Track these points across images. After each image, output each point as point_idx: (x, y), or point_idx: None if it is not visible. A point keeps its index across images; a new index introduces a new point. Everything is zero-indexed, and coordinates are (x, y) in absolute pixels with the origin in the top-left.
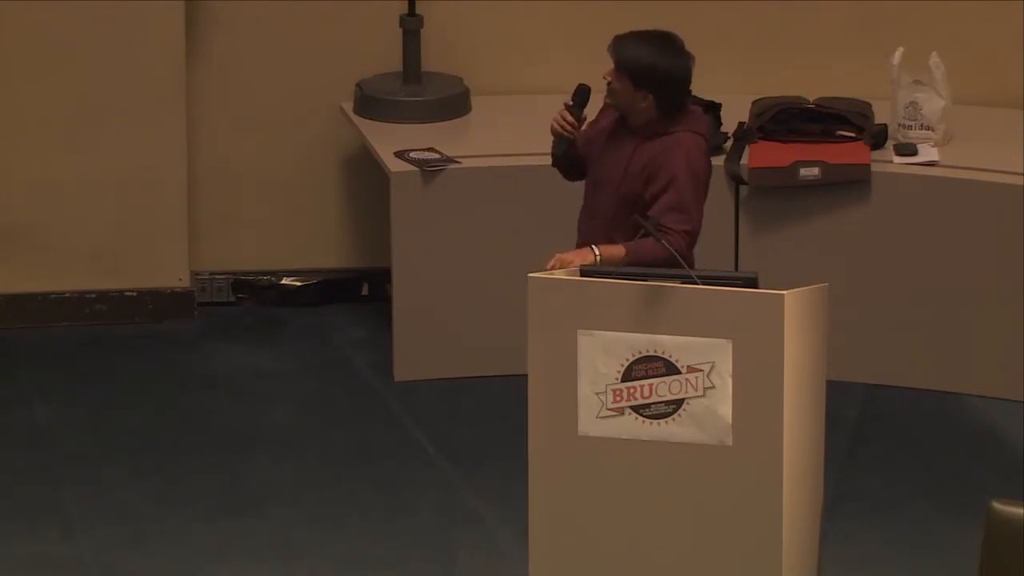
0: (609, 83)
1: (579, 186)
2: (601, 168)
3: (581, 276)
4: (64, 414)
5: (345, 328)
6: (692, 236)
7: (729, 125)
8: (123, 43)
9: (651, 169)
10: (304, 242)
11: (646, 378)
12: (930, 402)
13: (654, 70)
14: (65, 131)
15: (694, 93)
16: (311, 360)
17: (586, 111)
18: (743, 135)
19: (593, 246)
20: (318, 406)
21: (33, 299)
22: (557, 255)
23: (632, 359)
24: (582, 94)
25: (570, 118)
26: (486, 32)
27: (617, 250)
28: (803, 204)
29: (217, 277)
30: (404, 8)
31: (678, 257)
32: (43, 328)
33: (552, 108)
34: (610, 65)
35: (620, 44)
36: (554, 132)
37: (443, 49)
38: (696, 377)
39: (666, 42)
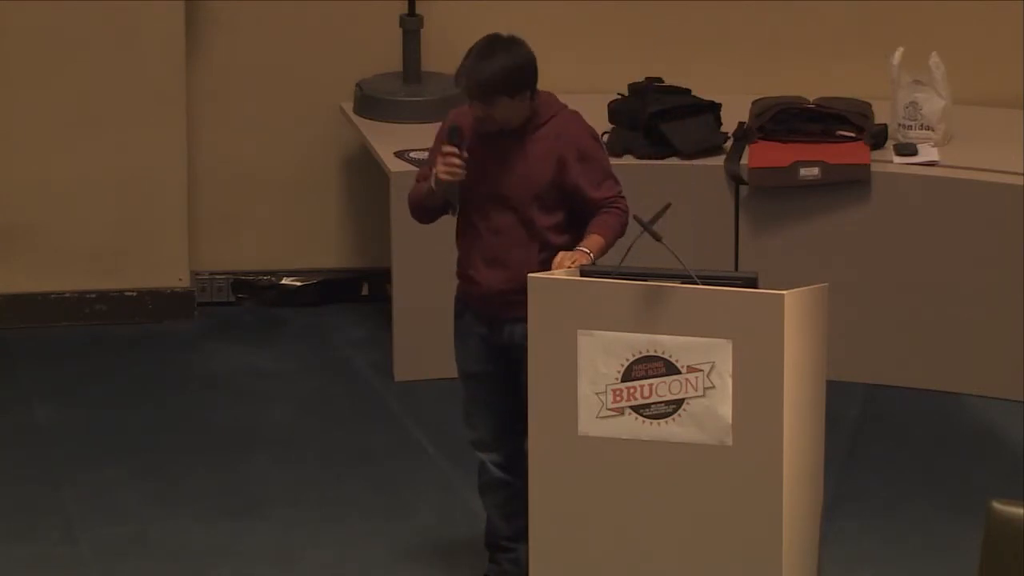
0: (482, 117)
1: None
2: (493, 182)
3: (581, 276)
4: (64, 414)
5: (345, 328)
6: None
7: (729, 125)
8: (123, 43)
9: (558, 156)
10: (304, 242)
11: (646, 378)
12: (930, 402)
13: (519, 72)
14: (65, 131)
15: (694, 93)
16: (311, 360)
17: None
18: (743, 135)
19: (580, 247)
20: (318, 406)
21: (33, 299)
22: (560, 254)
23: (632, 359)
24: (458, 132)
25: (456, 160)
26: (486, 32)
27: (595, 240)
28: (803, 204)
29: (217, 277)
30: (404, 8)
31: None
32: (43, 328)
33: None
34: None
35: (473, 76)
36: (447, 180)
37: (443, 49)
38: (696, 377)
39: (500, 43)
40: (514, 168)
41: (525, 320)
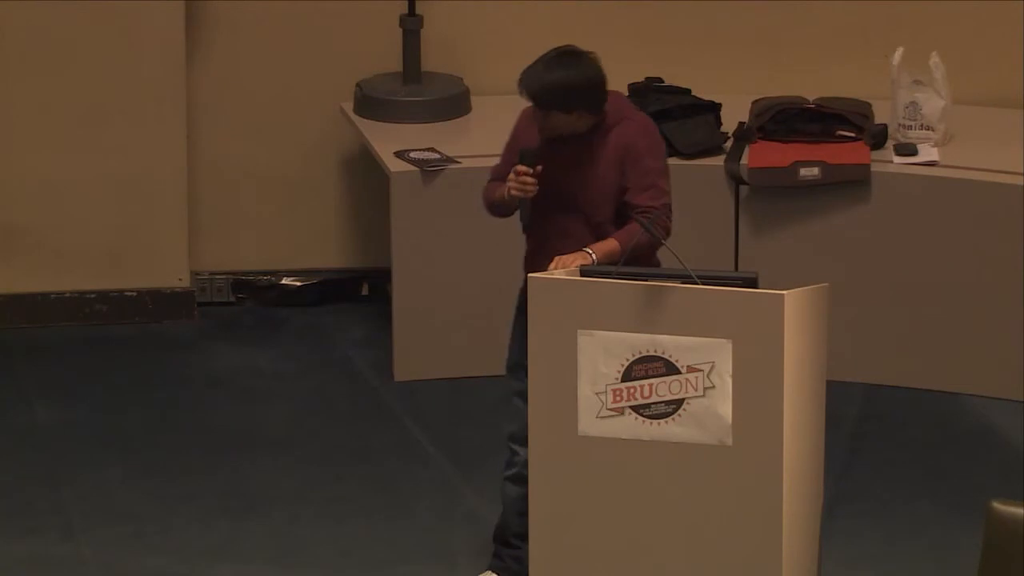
0: (543, 122)
1: None
2: (562, 186)
3: (581, 276)
4: (64, 414)
5: (345, 328)
6: (670, 207)
7: (729, 125)
8: (123, 43)
9: (621, 159)
10: (304, 242)
11: (646, 378)
12: (930, 402)
13: (576, 89)
14: (65, 131)
15: (694, 93)
16: (311, 360)
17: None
18: (743, 135)
19: (587, 248)
20: (318, 406)
21: (33, 299)
22: (557, 256)
23: (632, 359)
24: (531, 155)
25: (529, 179)
26: (486, 32)
27: (610, 244)
28: (803, 204)
29: (217, 277)
30: (404, 8)
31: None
32: (43, 328)
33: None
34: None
35: (532, 85)
36: (517, 198)
37: (443, 49)
38: (696, 377)
39: (567, 57)
40: (581, 172)
41: None
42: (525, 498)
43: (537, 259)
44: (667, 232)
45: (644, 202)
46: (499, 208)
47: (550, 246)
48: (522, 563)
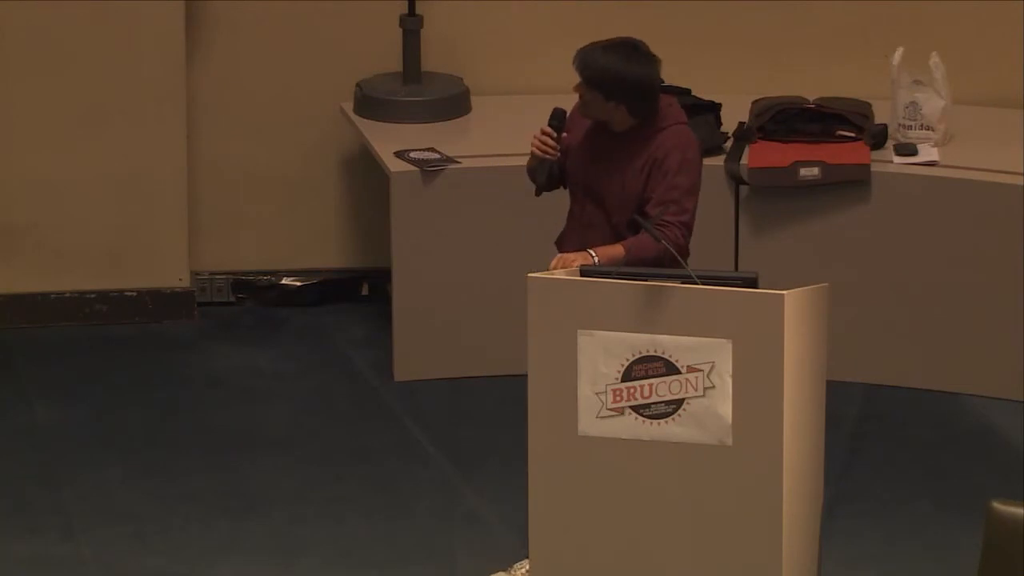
0: (582, 96)
1: None
2: (591, 177)
3: (581, 276)
4: (64, 414)
5: (345, 328)
6: (687, 227)
7: (729, 125)
8: (123, 43)
9: (649, 166)
10: (304, 242)
11: (646, 378)
12: (930, 402)
13: (623, 81)
14: (65, 131)
15: (694, 93)
16: (311, 360)
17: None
18: (743, 135)
19: (590, 250)
20: (318, 406)
21: (33, 299)
22: (559, 255)
23: (632, 359)
24: (559, 117)
25: (551, 141)
26: (486, 32)
27: (616, 250)
28: (803, 204)
29: (217, 277)
30: (404, 8)
31: (674, 252)
32: (43, 328)
33: (552, 108)
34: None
35: (586, 57)
36: (536, 156)
37: (443, 49)
38: (696, 377)
39: (631, 50)
40: (614, 171)
41: None
42: None
43: (566, 246)
44: (679, 249)
45: (663, 214)
46: (531, 173)
47: (577, 233)
48: None
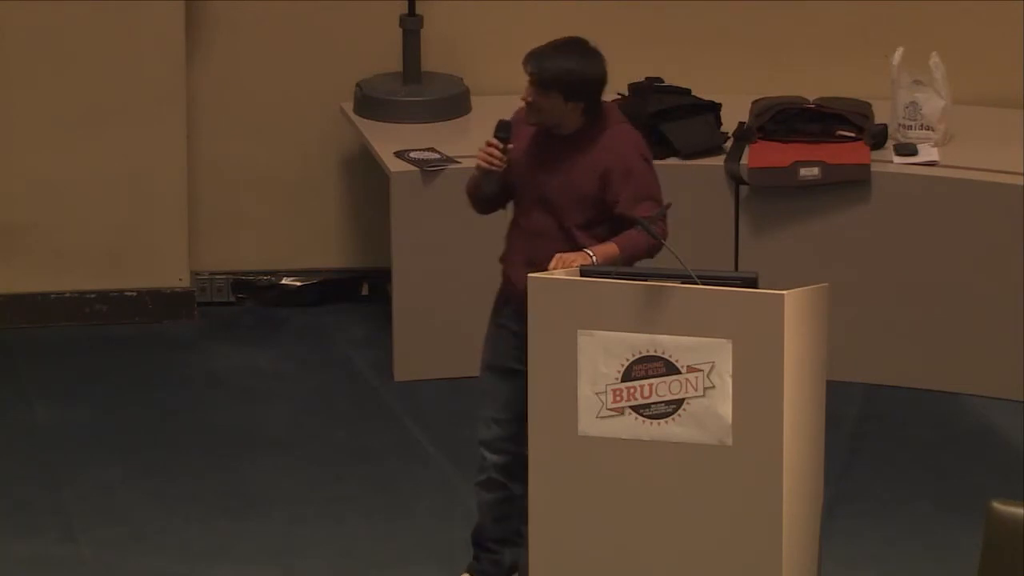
0: (531, 103)
1: None
2: (542, 184)
3: (581, 276)
4: (64, 414)
5: (345, 328)
6: (664, 213)
7: (729, 125)
8: (123, 43)
9: (603, 170)
10: (304, 242)
11: (646, 378)
12: (930, 402)
13: (583, 79)
14: (65, 131)
15: (694, 93)
16: (311, 360)
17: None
18: (743, 135)
19: (587, 250)
20: (318, 406)
21: (33, 299)
22: (557, 255)
23: (632, 359)
24: (506, 128)
25: (498, 152)
26: (486, 32)
27: (610, 248)
28: (803, 204)
29: (217, 277)
30: (404, 8)
31: (671, 250)
32: (43, 328)
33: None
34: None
35: (542, 60)
36: (482, 169)
37: (443, 49)
38: (696, 377)
39: (583, 48)
40: (560, 174)
41: None
42: (498, 503)
43: (512, 259)
44: (664, 235)
45: (644, 213)
46: (475, 195)
47: (524, 243)
48: (499, 567)
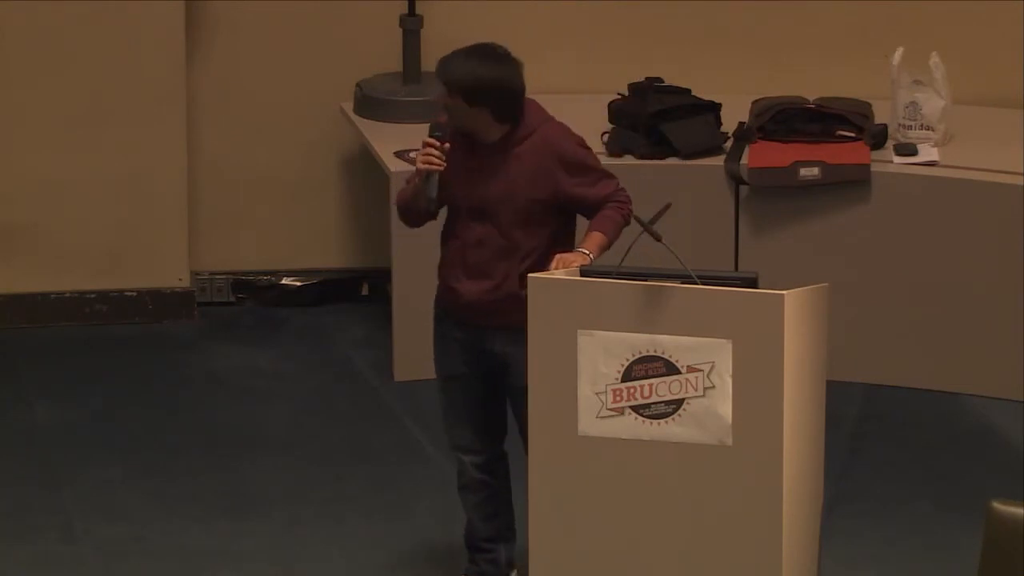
0: (446, 105)
1: None
2: (475, 196)
3: (581, 276)
4: (64, 414)
5: (345, 328)
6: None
7: (729, 125)
8: (123, 43)
9: (545, 171)
10: (304, 242)
11: (646, 378)
12: (930, 402)
13: (482, 85)
14: (65, 131)
15: (694, 93)
16: (311, 360)
17: None
18: (743, 135)
19: (581, 248)
20: (318, 406)
21: (33, 299)
22: (557, 255)
23: (632, 359)
24: (440, 127)
25: (436, 152)
26: (486, 32)
27: (597, 238)
28: (803, 204)
29: (217, 277)
30: (404, 8)
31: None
32: (43, 328)
33: (552, 108)
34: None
35: (447, 64)
36: (423, 171)
37: (443, 49)
38: (696, 377)
39: (488, 54)
40: (495, 183)
41: (507, 328)
42: (484, 502)
43: (450, 271)
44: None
45: (606, 191)
46: (411, 207)
47: (465, 254)
48: (497, 564)
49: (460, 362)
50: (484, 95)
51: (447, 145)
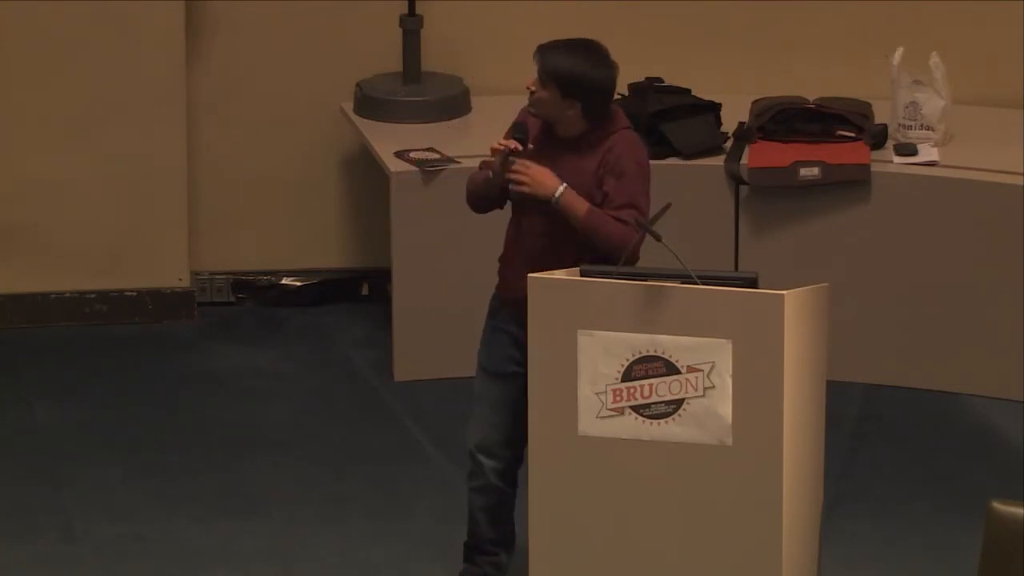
0: (533, 92)
1: None
2: None
3: (581, 276)
4: (64, 414)
5: (345, 328)
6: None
7: (729, 125)
8: (123, 43)
9: (600, 172)
10: (304, 242)
11: (646, 378)
12: (930, 402)
13: (582, 79)
14: (65, 131)
15: (694, 93)
16: (311, 360)
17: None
18: (743, 135)
19: (563, 185)
20: (318, 406)
21: (33, 299)
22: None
23: (632, 359)
24: (523, 129)
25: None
26: (486, 32)
27: (581, 203)
28: (803, 204)
29: (217, 277)
30: (404, 8)
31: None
32: (43, 328)
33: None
34: (534, 75)
35: (546, 53)
36: (500, 159)
37: (443, 49)
38: (696, 377)
39: (592, 51)
40: (563, 178)
41: None
42: (495, 507)
43: (511, 261)
44: (628, 248)
45: (621, 201)
46: (481, 193)
47: (525, 245)
48: (499, 568)
49: (508, 359)
50: (581, 91)
51: (531, 147)
